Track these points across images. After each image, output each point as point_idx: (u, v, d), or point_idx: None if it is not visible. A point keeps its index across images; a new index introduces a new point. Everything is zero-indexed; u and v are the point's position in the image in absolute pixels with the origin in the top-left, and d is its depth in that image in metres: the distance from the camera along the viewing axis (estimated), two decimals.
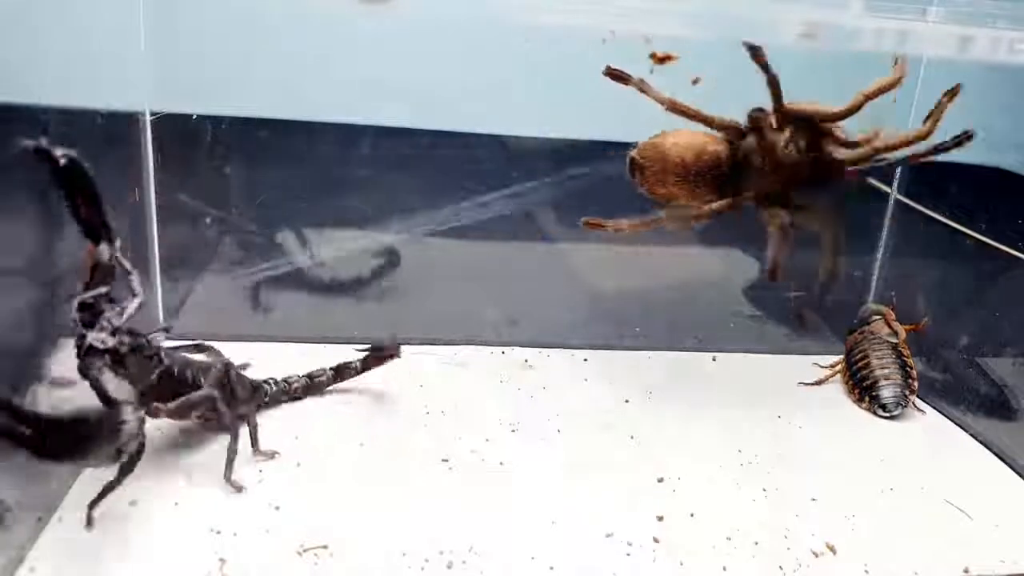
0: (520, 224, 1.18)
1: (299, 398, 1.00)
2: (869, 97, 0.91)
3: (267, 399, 0.96)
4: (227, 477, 0.81)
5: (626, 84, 0.94)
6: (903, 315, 1.18)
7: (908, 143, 0.93)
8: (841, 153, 0.95)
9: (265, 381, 0.96)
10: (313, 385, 1.00)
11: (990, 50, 0.87)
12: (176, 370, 0.82)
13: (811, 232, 1.00)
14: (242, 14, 1.07)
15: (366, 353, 1.01)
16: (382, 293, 1.21)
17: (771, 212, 0.98)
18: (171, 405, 0.80)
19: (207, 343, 0.94)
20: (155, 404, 0.79)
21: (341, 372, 1.01)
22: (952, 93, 0.90)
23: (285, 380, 0.98)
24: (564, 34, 1.02)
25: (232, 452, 0.82)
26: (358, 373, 1.01)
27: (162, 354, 0.81)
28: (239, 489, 0.81)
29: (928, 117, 0.91)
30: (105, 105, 0.97)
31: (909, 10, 0.87)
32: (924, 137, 0.92)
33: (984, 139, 1.06)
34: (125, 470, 0.74)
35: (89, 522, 0.74)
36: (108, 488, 0.74)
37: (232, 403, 0.86)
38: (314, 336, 1.15)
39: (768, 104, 0.94)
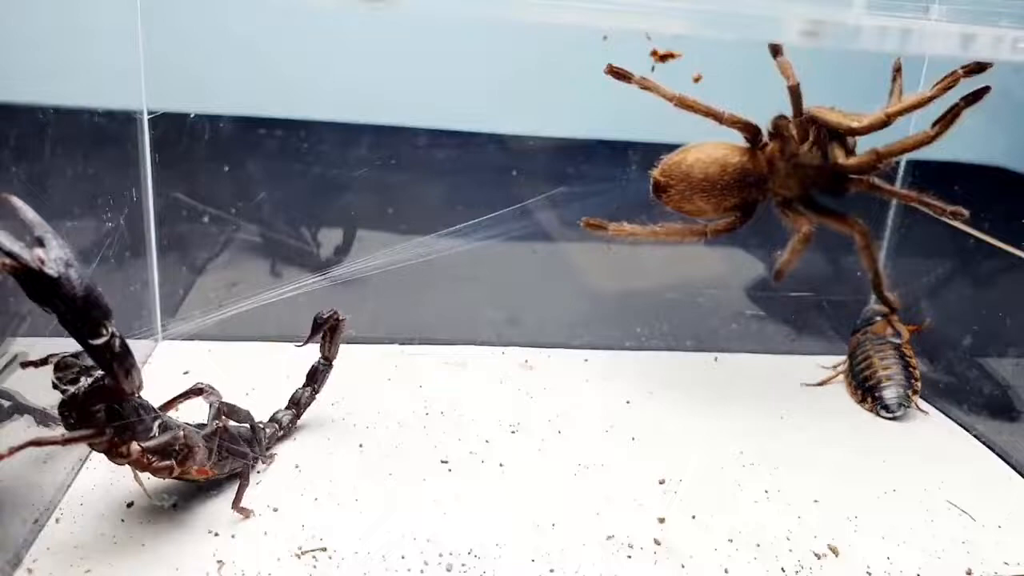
0: (520, 223, 1.17)
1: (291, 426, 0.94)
2: (890, 116, 0.90)
3: (268, 441, 0.89)
4: (236, 507, 0.79)
5: (628, 82, 0.93)
6: (906, 316, 1.17)
7: (911, 148, 0.92)
8: (844, 161, 0.95)
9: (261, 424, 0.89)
10: (299, 409, 0.94)
11: (992, 48, 0.87)
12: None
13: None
14: (240, 13, 1.07)
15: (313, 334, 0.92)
16: (381, 293, 1.21)
17: (796, 219, 0.98)
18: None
19: (202, 385, 0.85)
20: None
21: (312, 381, 0.94)
22: (971, 98, 0.87)
23: (273, 419, 0.92)
24: (564, 33, 1.01)
25: (243, 487, 0.80)
26: (319, 377, 0.94)
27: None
28: (247, 516, 0.79)
29: (939, 120, 0.89)
30: (103, 104, 0.96)
31: (911, 8, 0.86)
32: (929, 142, 0.90)
33: (986, 138, 1.06)
34: None
35: None
36: None
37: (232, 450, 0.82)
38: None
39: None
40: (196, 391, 0.84)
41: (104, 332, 0.61)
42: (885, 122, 0.90)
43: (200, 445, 0.76)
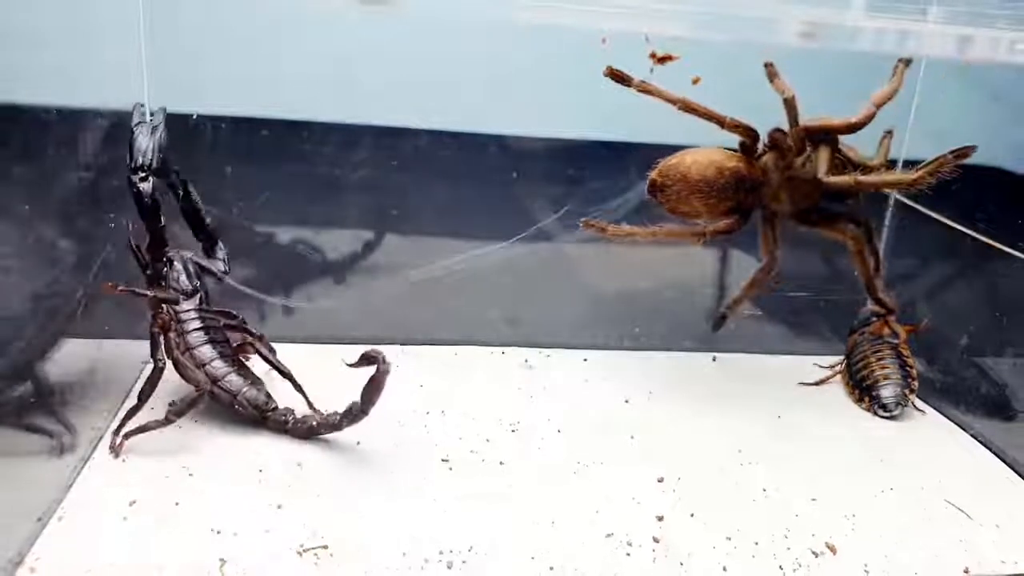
0: (520, 224, 1.17)
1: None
2: (879, 105, 0.91)
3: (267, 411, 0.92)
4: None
5: (627, 85, 0.94)
6: (903, 316, 1.18)
7: (890, 186, 0.93)
8: (825, 178, 0.95)
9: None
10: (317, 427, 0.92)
11: (990, 50, 0.88)
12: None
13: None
14: (242, 14, 1.07)
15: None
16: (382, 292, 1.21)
17: (766, 239, 1.00)
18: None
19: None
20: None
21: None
22: (961, 154, 0.88)
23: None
24: (565, 34, 1.02)
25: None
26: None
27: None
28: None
29: (924, 166, 0.90)
30: (104, 104, 0.97)
31: (909, 10, 0.87)
32: (909, 184, 0.91)
33: (984, 139, 1.06)
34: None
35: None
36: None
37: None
38: (317, 336, 1.16)
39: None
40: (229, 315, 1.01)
41: None
42: (875, 113, 0.92)
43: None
